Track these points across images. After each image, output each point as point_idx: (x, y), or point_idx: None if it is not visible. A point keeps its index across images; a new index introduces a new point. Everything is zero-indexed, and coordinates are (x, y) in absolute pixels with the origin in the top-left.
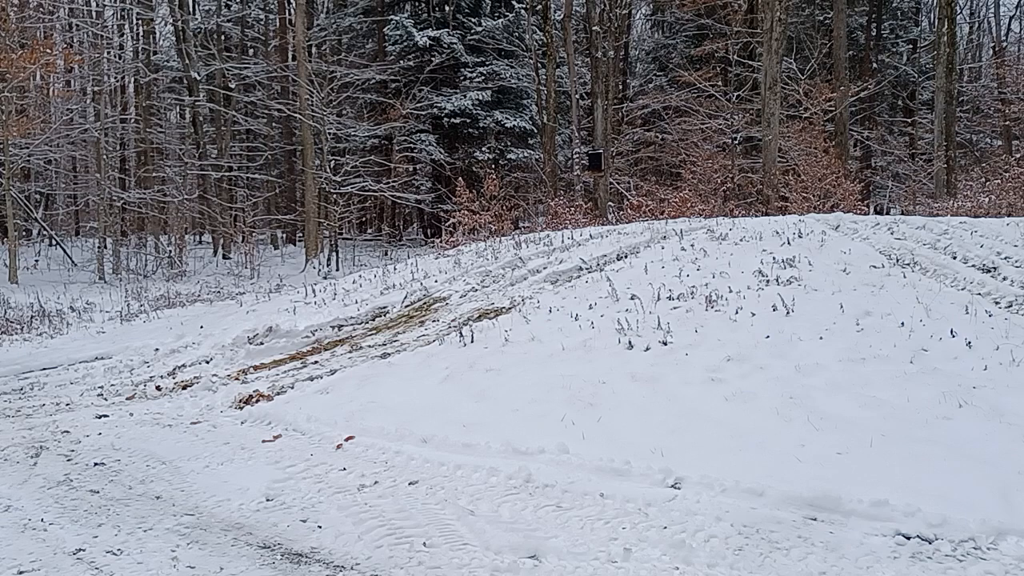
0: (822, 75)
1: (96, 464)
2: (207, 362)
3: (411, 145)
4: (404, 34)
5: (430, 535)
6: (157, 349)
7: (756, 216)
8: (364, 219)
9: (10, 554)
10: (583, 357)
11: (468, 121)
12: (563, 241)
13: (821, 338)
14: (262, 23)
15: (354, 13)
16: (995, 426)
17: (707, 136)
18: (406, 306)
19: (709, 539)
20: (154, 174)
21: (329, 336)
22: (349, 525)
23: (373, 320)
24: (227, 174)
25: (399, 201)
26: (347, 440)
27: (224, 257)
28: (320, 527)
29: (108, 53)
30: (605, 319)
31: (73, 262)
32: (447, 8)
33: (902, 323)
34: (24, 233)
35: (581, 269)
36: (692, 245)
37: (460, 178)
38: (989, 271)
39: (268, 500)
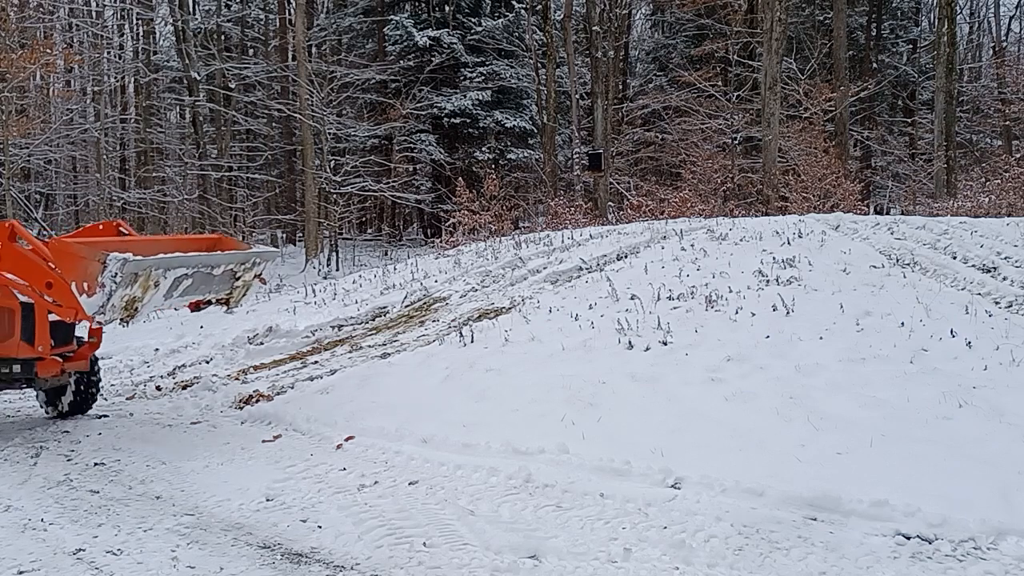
0: (822, 75)
1: (96, 464)
2: (207, 362)
3: (411, 145)
4: (404, 34)
5: (430, 535)
6: (157, 349)
7: (756, 216)
8: (364, 219)
9: (10, 554)
10: (583, 357)
11: (468, 121)
12: (563, 241)
13: (821, 338)
14: (262, 23)
15: (354, 13)
16: (995, 426)
17: (707, 136)
18: (406, 306)
19: (709, 539)
20: (154, 174)
21: (329, 336)
22: (349, 525)
23: (373, 320)
24: (227, 174)
25: (399, 201)
26: (347, 440)
27: None
28: (320, 527)
29: (108, 53)
30: (605, 319)
31: None
32: (447, 8)
33: (902, 323)
34: None
35: (581, 269)
36: (692, 245)
37: (460, 178)
38: (989, 271)
39: (268, 500)
